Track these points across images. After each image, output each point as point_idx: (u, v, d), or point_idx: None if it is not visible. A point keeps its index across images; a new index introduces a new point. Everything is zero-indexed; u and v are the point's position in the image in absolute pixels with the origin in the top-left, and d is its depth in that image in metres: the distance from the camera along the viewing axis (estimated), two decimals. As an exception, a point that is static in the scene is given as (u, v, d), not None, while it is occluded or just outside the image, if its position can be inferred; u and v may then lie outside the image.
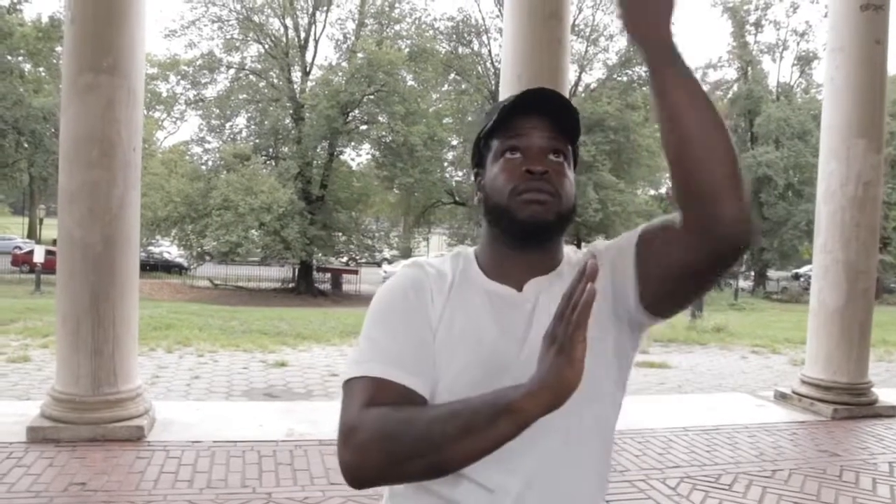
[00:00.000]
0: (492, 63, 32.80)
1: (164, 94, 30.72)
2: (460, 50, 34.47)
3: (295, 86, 30.14)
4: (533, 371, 0.88)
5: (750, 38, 37.86)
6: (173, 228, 28.16)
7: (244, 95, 30.38)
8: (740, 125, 37.13)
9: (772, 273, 37.35)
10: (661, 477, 4.45)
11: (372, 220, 34.62)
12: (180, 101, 31.15)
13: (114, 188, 4.60)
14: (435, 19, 35.06)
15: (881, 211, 6.61)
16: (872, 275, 6.26)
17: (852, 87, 6.04)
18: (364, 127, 30.69)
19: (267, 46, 30.22)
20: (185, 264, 32.12)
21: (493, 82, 31.33)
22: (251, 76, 30.73)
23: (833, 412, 5.97)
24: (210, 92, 30.63)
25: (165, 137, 40.32)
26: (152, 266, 31.17)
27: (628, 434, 5.20)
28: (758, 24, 37.74)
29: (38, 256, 22.17)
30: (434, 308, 1.12)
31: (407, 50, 30.43)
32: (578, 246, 1.45)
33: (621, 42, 34.24)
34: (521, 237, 1.12)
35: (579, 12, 32.64)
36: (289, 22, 30.42)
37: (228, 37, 30.14)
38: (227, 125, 31.11)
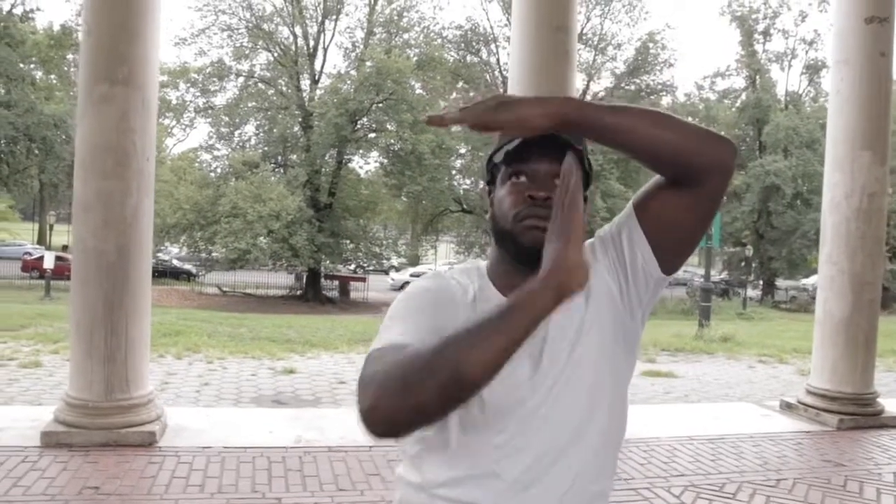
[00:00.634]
0: (500, 71, 32.92)
1: (174, 102, 30.89)
2: (468, 59, 34.62)
3: (304, 94, 30.28)
4: (549, 391, 0.91)
5: (758, 47, 37.87)
6: (182, 235, 28.33)
7: (253, 103, 30.51)
8: (749, 134, 37.09)
9: (780, 282, 37.23)
10: (665, 485, 4.47)
11: (380, 227, 34.63)
12: (190, 109, 31.35)
13: (128, 197, 4.68)
14: (443, 28, 35.14)
15: (887, 221, 6.62)
16: (878, 285, 6.28)
17: (857, 99, 6.07)
18: (372, 135, 30.76)
19: (276, 54, 30.39)
20: (194, 271, 32.28)
21: (501, 91, 31.34)
22: (260, 84, 30.88)
23: (839, 422, 5.97)
24: (219, 100, 30.89)
25: (175, 144, 40.62)
26: (161, 272, 31.30)
27: (633, 442, 5.22)
28: (766, 33, 37.77)
29: (48, 262, 22.25)
30: (458, 321, 1.15)
31: (415, 58, 30.56)
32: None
33: (629, 51, 34.42)
34: (526, 261, 1.14)
35: (587, 21, 32.77)
36: (298, 30, 30.59)
37: (238, 45, 30.35)
38: (236, 133, 31.33)
